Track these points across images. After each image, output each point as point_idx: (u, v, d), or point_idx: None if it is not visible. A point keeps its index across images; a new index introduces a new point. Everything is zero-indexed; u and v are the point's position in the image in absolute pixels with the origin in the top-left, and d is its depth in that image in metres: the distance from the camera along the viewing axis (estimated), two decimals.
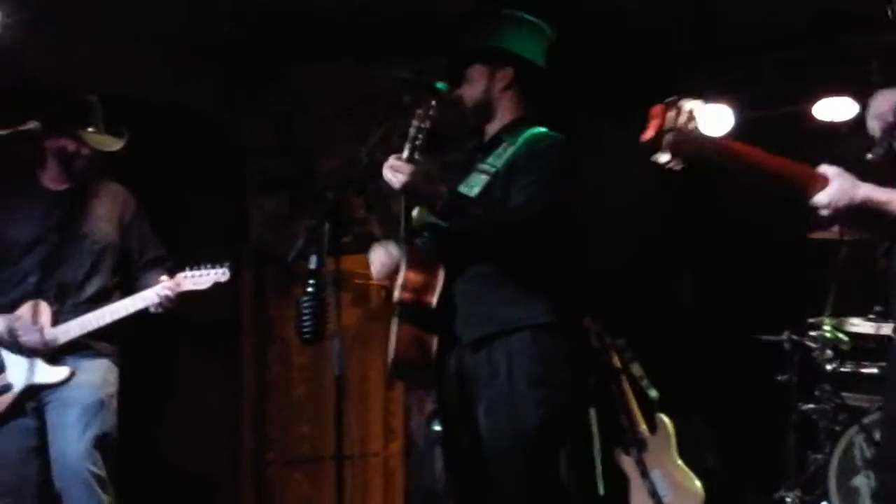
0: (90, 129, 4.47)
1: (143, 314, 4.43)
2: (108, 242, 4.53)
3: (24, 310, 4.37)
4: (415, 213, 3.70)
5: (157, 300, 4.38)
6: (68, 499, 4.26)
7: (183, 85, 6.41)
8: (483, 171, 3.70)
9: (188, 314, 4.60)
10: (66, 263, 4.42)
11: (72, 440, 4.27)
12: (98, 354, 4.44)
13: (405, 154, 3.51)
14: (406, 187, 3.46)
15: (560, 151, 3.70)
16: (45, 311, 4.36)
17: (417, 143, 3.52)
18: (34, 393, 4.35)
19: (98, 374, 4.41)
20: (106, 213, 4.56)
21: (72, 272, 4.43)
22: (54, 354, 4.36)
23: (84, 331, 4.35)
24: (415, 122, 3.53)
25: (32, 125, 4.33)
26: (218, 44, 6.23)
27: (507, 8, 3.88)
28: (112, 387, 4.46)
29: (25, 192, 4.56)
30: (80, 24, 5.63)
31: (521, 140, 3.73)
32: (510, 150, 3.70)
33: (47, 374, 4.33)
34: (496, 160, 3.70)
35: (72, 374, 4.34)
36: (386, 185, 3.52)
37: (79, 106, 4.49)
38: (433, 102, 3.55)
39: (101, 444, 4.32)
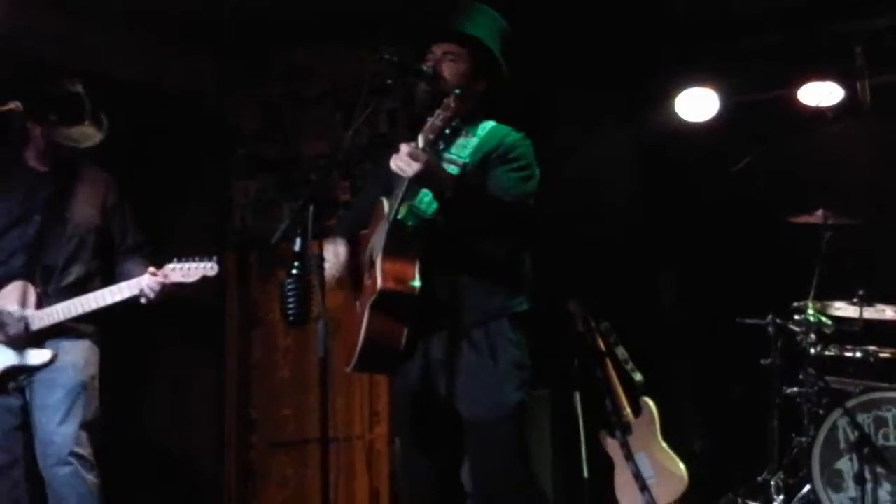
0: (71, 124, 4.44)
1: (127, 302, 4.41)
2: (91, 226, 4.53)
3: (10, 290, 4.35)
4: (385, 205, 3.68)
5: (144, 291, 4.36)
6: (54, 480, 4.27)
7: (169, 68, 6.38)
8: (451, 162, 3.75)
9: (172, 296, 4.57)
10: (49, 246, 4.42)
11: (56, 421, 4.29)
12: (80, 335, 4.44)
13: (422, 142, 3.52)
14: (419, 174, 3.47)
15: (530, 148, 3.80)
16: (31, 293, 4.35)
17: (445, 133, 3.56)
18: (16, 374, 4.35)
19: (80, 356, 4.41)
20: (89, 197, 4.55)
21: (55, 255, 4.43)
22: (37, 337, 4.34)
23: (68, 316, 4.36)
24: (441, 113, 3.52)
25: (13, 105, 4.32)
26: (205, 28, 6.20)
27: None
28: (94, 367, 4.47)
29: (9, 170, 4.55)
30: (68, 5, 5.60)
31: (483, 132, 3.80)
32: (474, 142, 3.77)
33: (29, 356, 4.33)
34: (461, 150, 3.76)
35: (54, 357, 4.34)
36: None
37: (62, 98, 4.45)
38: (457, 93, 3.55)
39: (86, 425, 4.33)
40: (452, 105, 3.52)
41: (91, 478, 4.31)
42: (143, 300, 4.39)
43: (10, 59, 5.32)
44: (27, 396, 4.38)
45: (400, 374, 3.80)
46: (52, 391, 4.32)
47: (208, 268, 4.42)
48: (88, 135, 4.49)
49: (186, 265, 4.41)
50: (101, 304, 4.38)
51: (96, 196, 4.57)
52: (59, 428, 4.28)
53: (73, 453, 4.28)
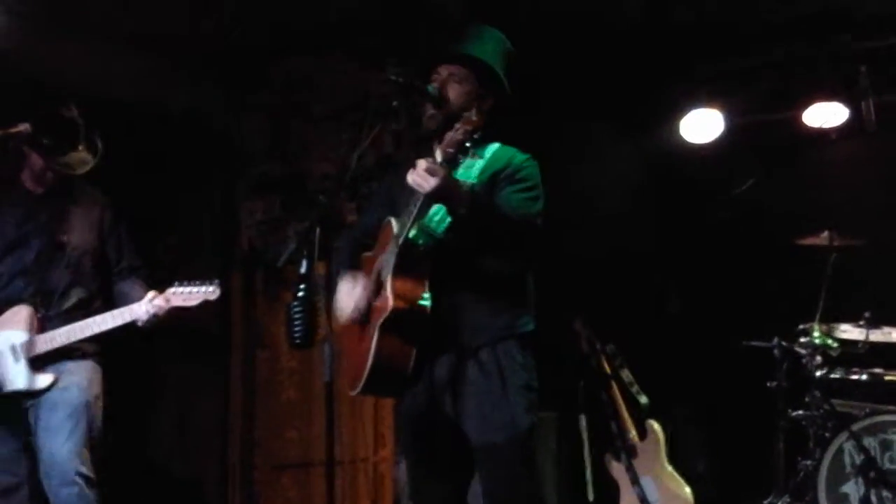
0: (66, 150, 4.44)
1: (127, 326, 4.41)
2: (88, 248, 4.53)
3: (13, 315, 4.35)
4: (395, 225, 3.67)
5: (144, 316, 4.36)
6: (58, 499, 4.25)
7: (174, 90, 6.39)
8: None
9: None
10: (48, 270, 4.42)
11: (60, 441, 4.28)
12: (83, 356, 4.45)
13: (440, 157, 3.53)
14: (437, 190, 3.45)
15: (536, 169, 3.80)
16: (33, 317, 4.35)
17: (466, 147, 3.50)
18: (18, 398, 4.34)
19: (84, 376, 4.41)
20: (85, 219, 4.56)
21: (55, 279, 4.43)
22: (41, 360, 4.34)
23: (69, 340, 4.36)
24: (461, 126, 3.50)
25: (22, 127, 4.31)
26: (210, 49, 6.21)
27: (496, 21, 3.93)
28: (98, 387, 4.46)
29: (6, 192, 4.56)
30: (73, 26, 5.60)
31: (489, 153, 3.80)
32: (480, 163, 3.76)
33: (30, 380, 4.32)
34: (467, 172, 3.74)
35: (55, 381, 4.34)
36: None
37: (57, 125, 4.45)
38: (476, 109, 3.56)
39: (90, 444, 4.32)
40: (474, 118, 3.51)
41: (94, 497, 4.30)
42: (144, 325, 4.38)
43: (16, 81, 5.33)
44: (30, 419, 4.37)
45: (406, 396, 3.79)
46: (55, 411, 4.32)
47: (209, 291, 4.40)
48: (83, 160, 4.50)
49: (188, 289, 4.40)
50: (102, 328, 4.37)
51: (93, 218, 4.58)
52: (63, 447, 4.27)
53: (78, 473, 4.27)
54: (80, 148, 4.48)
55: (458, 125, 3.51)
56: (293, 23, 6.10)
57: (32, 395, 4.35)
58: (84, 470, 4.28)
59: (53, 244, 4.44)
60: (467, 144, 3.50)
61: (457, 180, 3.57)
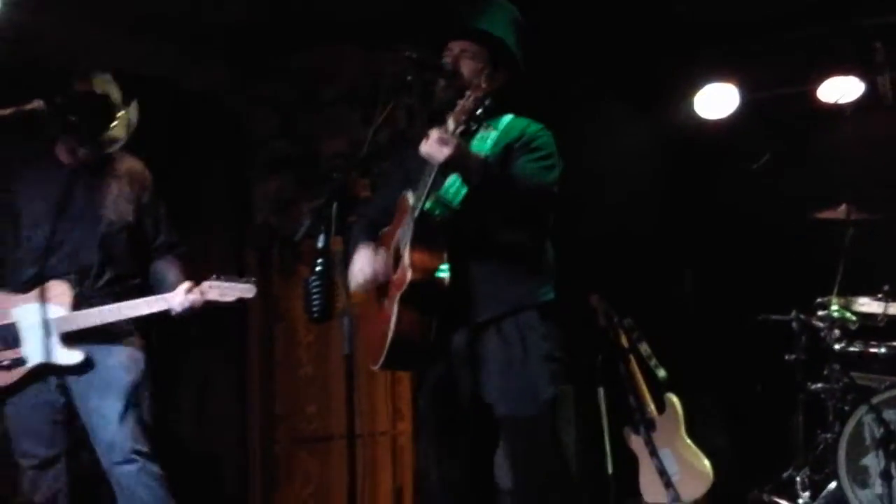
0: (93, 131, 4.40)
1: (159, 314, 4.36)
2: (124, 223, 4.44)
3: (51, 289, 4.29)
4: (410, 198, 3.67)
5: (178, 308, 4.31)
6: (122, 478, 4.24)
7: (188, 67, 6.39)
8: None
9: None
10: (84, 245, 4.35)
11: (115, 424, 4.24)
12: (123, 336, 4.38)
13: (452, 127, 3.51)
14: (450, 159, 3.47)
15: (551, 138, 3.80)
16: (69, 293, 4.32)
17: (477, 115, 3.53)
18: (47, 371, 4.32)
19: (127, 356, 4.36)
20: (123, 193, 4.47)
21: (90, 255, 4.35)
22: (75, 336, 4.32)
23: (103, 321, 4.29)
24: (471, 94, 3.52)
25: (36, 104, 4.27)
26: (224, 27, 6.20)
27: None
28: (142, 365, 4.40)
29: (43, 167, 4.47)
30: (85, 6, 5.60)
31: (503, 125, 3.80)
32: (494, 134, 3.76)
33: (62, 355, 4.30)
34: (481, 143, 3.74)
35: (86, 360, 4.30)
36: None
37: (88, 103, 4.36)
38: (487, 74, 3.58)
39: (142, 421, 4.31)
40: (483, 85, 3.53)
41: (156, 469, 4.29)
42: (174, 314, 4.34)
43: (31, 61, 5.33)
44: (73, 398, 4.33)
45: (426, 370, 3.79)
46: (104, 394, 4.27)
47: (246, 289, 4.37)
48: (112, 138, 4.43)
49: (225, 284, 4.35)
50: (134, 314, 4.30)
51: (131, 192, 4.48)
52: (119, 429, 4.24)
53: (135, 450, 4.24)
54: (112, 126, 4.41)
55: (468, 93, 3.53)
56: (304, 10, 6.09)
57: (61, 370, 4.33)
58: (140, 447, 4.26)
59: (90, 219, 4.37)
60: (478, 112, 3.53)
61: (469, 149, 3.58)
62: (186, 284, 4.35)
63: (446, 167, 3.51)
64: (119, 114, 4.39)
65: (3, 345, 4.34)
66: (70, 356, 4.29)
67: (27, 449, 4.34)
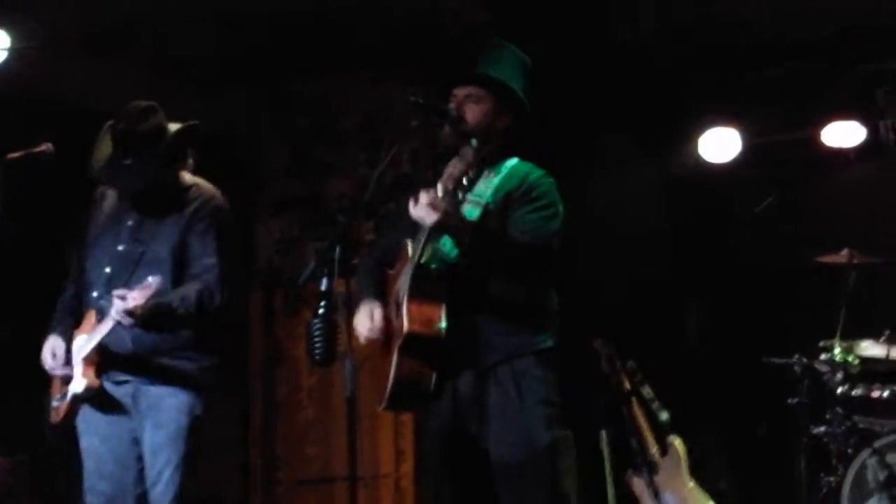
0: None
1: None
2: (164, 256, 4.22)
3: (85, 322, 4.23)
4: (410, 248, 3.69)
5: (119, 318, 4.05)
6: None
7: (195, 110, 6.41)
8: (474, 203, 3.76)
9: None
10: (121, 279, 4.17)
11: (162, 462, 4.15)
12: (175, 377, 4.23)
13: (441, 191, 3.55)
14: (438, 224, 3.52)
15: (553, 185, 3.81)
16: (93, 321, 4.19)
17: (462, 183, 3.58)
18: (78, 402, 4.21)
19: (182, 399, 4.22)
20: (171, 225, 4.25)
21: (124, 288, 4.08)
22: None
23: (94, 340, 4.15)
24: (458, 163, 3.58)
25: (45, 147, 4.28)
26: (229, 70, 6.26)
27: (514, 40, 3.95)
28: (197, 410, 4.25)
29: (100, 197, 4.39)
30: (96, 51, 5.65)
31: (504, 171, 3.81)
32: (495, 181, 3.79)
33: (75, 383, 4.25)
34: (484, 191, 3.77)
35: (87, 388, 4.15)
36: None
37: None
38: (474, 144, 3.63)
39: (186, 465, 4.20)
40: (470, 156, 3.58)
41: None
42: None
43: (41, 102, 5.37)
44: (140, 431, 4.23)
45: (431, 416, 3.80)
46: (157, 431, 4.17)
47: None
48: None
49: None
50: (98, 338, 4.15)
51: (179, 223, 4.24)
52: (165, 470, 4.15)
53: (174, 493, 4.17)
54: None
55: (455, 160, 3.59)
56: (315, 45, 6.14)
57: (79, 398, 4.18)
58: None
59: (134, 249, 4.23)
60: (464, 181, 3.57)
61: (458, 213, 3.62)
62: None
63: (435, 231, 3.56)
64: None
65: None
66: (78, 384, 4.17)
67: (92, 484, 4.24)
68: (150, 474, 4.19)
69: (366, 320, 3.76)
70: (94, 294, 4.25)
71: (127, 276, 4.17)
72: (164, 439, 4.18)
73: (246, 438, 6.67)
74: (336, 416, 6.29)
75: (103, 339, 4.11)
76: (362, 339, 3.77)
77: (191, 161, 4.42)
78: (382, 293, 3.86)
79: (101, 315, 4.14)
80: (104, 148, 4.23)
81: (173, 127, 4.29)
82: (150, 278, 3.95)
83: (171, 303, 4.09)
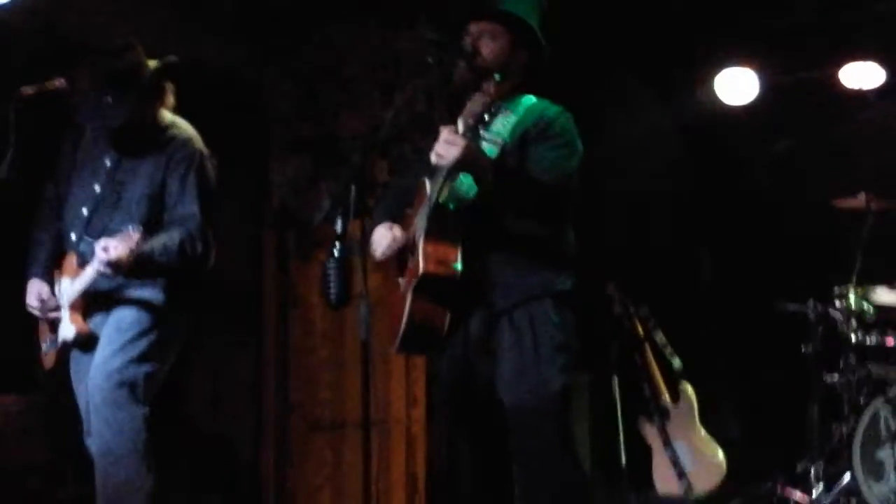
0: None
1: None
2: (143, 195, 4.21)
3: (65, 264, 4.23)
4: (428, 187, 3.65)
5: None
6: (98, 412, 4.09)
7: (207, 46, 6.36)
8: (491, 142, 3.72)
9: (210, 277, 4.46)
10: (100, 220, 4.19)
11: (107, 353, 4.12)
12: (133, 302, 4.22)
13: (461, 127, 3.52)
14: (458, 161, 3.47)
15: (570, 122, 3.77)
16: (73, 264, 4.21)
17: (484, 118, 3.56)
18: (69, 348, 4.23)
19: (140, 313, 4.19)
20: (151, 164, 4.23)
21: (103, 230, 4.14)
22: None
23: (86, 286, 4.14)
24: (480, 97, 3.55)
25: (58, 83, 4.21)
26: (244, 6, 6.19)
27: None
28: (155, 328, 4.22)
29: (76, 135, 4.37)
30: None
31: (522, 109, 3.77)
32: (512, 119, 3.74)
33: (64, 329, 4.23)
34: (501, 129, 3.73)
35: (78, 334, 4.15)
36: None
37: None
38: (497, 78, 3.59)
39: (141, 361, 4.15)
40: (492, 90, 3.55)
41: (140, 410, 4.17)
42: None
43: (52, 38, 5.31)
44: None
45: (442, 359, 3.79)
46: (109, 326, 4.19)
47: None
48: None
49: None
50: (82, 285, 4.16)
51: (159, 162, 4.22)
52: (110, 358, 4.15)
53: (118, 380, 4.11)
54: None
55: (477, 95, 3.55)
56: None
57: (68, 344, 4.22)
58: (124, 378, 4.08)
59: (112, 191, 4.21)
60: (485, 116, 3.56)
61: (479, 150, 3.58)
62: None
63: (455, 168, 3.52)
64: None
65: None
66: (66, 329, 4.18)
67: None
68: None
69: (384, 238, 3.75)
70: (73, 237, 4.25)
71: (106, 220, 4.19)
72: (114, 327, 4.16)
73: (259, 381, 6.67)
74: (349, 359, 6.28)
75: (87, 286, 4.12)
76: (378, 255, 3.75)
77: (171, 98, 4.39)
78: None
79: (83, 259, 4.16)
80: (83, 85, 4.20)
81: (152, 64, 4.27)
82: (130, 227, 3.94)
83: (153, 253, 4.07)
